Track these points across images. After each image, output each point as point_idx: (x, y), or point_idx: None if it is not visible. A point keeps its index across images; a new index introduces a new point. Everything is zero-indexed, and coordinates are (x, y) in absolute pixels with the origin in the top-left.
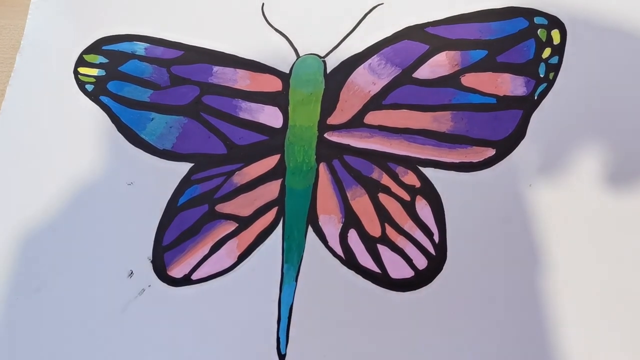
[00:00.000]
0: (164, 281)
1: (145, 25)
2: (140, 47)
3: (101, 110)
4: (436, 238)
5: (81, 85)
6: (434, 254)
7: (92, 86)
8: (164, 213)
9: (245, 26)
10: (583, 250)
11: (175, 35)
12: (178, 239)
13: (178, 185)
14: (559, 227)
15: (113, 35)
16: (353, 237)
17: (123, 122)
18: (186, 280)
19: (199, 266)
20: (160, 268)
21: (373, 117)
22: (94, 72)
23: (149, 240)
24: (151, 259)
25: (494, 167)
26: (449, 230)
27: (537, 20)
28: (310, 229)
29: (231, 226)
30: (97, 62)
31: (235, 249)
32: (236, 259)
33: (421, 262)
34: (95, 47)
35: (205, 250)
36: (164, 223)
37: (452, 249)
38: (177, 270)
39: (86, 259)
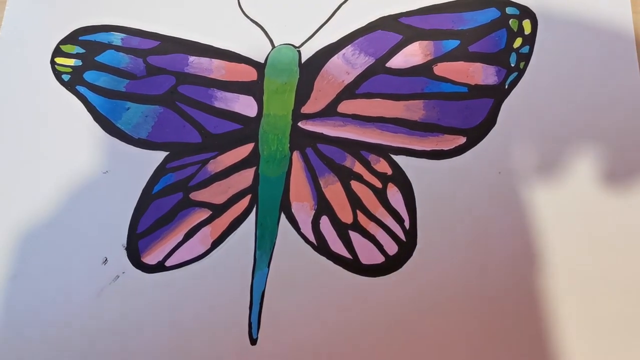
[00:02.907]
0: (138, 268)
1: (122, 16)
2: (116, 38)
3: (78, 100)
4: (407, 224)
5: (58, 75)
6: (404, 240)
7: (69, 76)
8: (138, 201)
9: (221, 17)
10: (551, 234)
11: (152, 26)
12: (152, 227)
13: (153, 174)
14: (526, 213)
15: (90, 26)
16: (325, 223)
17: (99, 111)
18: (160, 267)
19: (172, 253)
20: (134, 255)
21: (346, 106)
22: (71, 62)
23: (123, 228)
24: (125, 246)
25: (464, 154)
26: (420, 216)
27: (509, 10)
28: (283, 216)
29: (205, 213)
30: (74, 52)
31: (209, 235)
32: (209, 246)
33: (392, 248)
34: (72, 38)
35: (179, 237)
36: (138, 211)
37: (423, 235)
38: (151, 257)
39: (62, 246)
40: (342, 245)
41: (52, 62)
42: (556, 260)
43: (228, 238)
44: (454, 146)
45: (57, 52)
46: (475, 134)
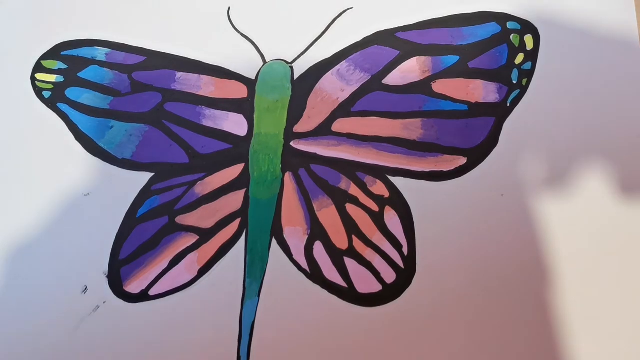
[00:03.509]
0: (119, 297)
1: (107, 30)
2: (100, 53)
3: (59, 118)
4: (405, 250)
5: (38, 92)
6: (402, 267)
7: (50, 93)
8: (121, 225)
9: (211, 31)
10: (559, 259)
11: (138, 41)
12: (136, 253)
13: (137, 196)
14: (532, 237)
15: (73, 40)
16: (319, 249)
17: (81, 130)
18: (143, 296)
19: (157, 281)
20: (116, 283)
21: (341, 125)
22: (52, 78)
23: (105, 254)
24: (107, 273)
25: (465, 176)
26: (419, 242)
27: (510, 25)
28: (274, 241)
29: (192, 239)
30: (56, 67)
31: (196, 262)
32: (196, 273)
33: (390, 276)
34: (54, 53)
35: (164, 264)
36: (121, 236)
37: (422, 262)
38: (134, 286)
39: (38, 273)
40: (337, 272)
41: (33, 78)
42: (564, 288)
43: (216, 265)
44: (454, 167)
45: (38, 67)
46: (477, 154)
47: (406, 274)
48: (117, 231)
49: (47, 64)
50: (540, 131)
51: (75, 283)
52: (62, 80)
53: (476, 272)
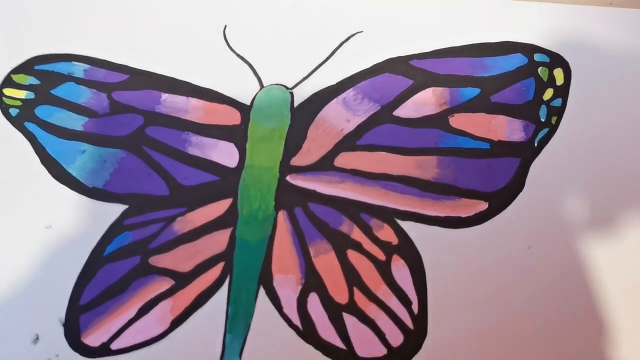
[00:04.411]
0: (75, 350)
1: (88, 45)
2: (78, 69)
3: (25, 139)
4: (415, 308)
5: (5, 109)
6: (411, 327)
7: (18, 110)
8: (86, 264)
9: (203, 50)
10: (596, 320)
11: (121, 58)
12: (99, 297)
13: (106, 231)
14: (564, 297)
15: (49, 54)
16: (314, 302)
17: (49, 153)
18: (103, 350)
19: (121, 333)
20: (73, 333)
21: (345, 160)
22: (22, 94)
23: (63, 298)
24: (63, 321)
25: (486, 223)
26: (431, 298)
27: (538, 57)
28: (262, 291)
29: (166, 284)
30: (27, 83)
31: (169, 312)
32: (169, 325)
33: (396, 338)
34: (27, 67)
35: (131, 312)
36: (84, 276)
37: (434, 323)
38: (94, 337)
39: None
40: (334, 331)
41: (0, 94)
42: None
43: (192, 316)
44: (473, 213)
45: (7, 82)
46: (499, 200)
47: (415, 336)
48: (79, 271)
49: (17, 78)
50: (572, 175)
51: (25, 330)
52: (32, 97)
53: (498, 337)
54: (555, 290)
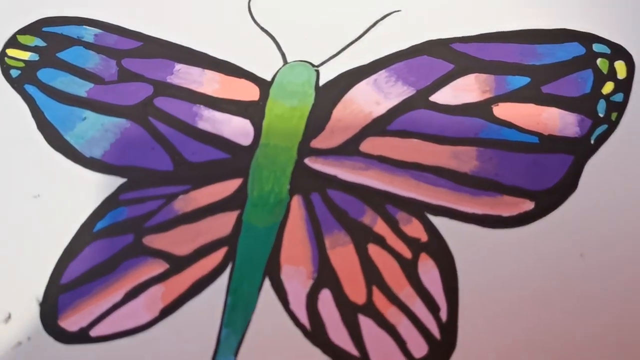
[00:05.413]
0: (50, 334)
1: (101, 9)
2: (89, 33)
3: (23, 102)
4: (443, 315)
5: (5, 69)
6: (438, 337)
7: (19, 72)
8: (72, 239)
9: (224, 21)
10: None
11: (136, 25)
12: (83, 277)
13: (100, 205)
14: (620, 316)
15: (59, 17)
16: (326, 300)
17: (47, 118)
18: (81, 336)
19: (103, 318)
20: (49, 314)
21: (372, 145)
22: (25, 55)
23: (43, 274)
24: (40, 300)
25: (531, 225)
26: (463, 306)
27: (597, 47)
28: (267, 282)
29: (160, 267)
30: (32, 44)
31: (159, 299)
32: (157, 314)
33: (419, 348)
34: (34, 28)
35: (117, 296)
36: (69, 252)
37: (465, 334)
38: (72, 321)
39: None
40: (347, 334)
41: (2, 54)
42: None
43: (185, 305)
44: (516, 212)
45: (12, 42)
46: (548, 200)
47: (442, 348)
48: (65, 246)
49: (23, 39)
50: (632, 176)
51: None
52: (36, 59)
53: (538, 357)
54: (612, 306)
